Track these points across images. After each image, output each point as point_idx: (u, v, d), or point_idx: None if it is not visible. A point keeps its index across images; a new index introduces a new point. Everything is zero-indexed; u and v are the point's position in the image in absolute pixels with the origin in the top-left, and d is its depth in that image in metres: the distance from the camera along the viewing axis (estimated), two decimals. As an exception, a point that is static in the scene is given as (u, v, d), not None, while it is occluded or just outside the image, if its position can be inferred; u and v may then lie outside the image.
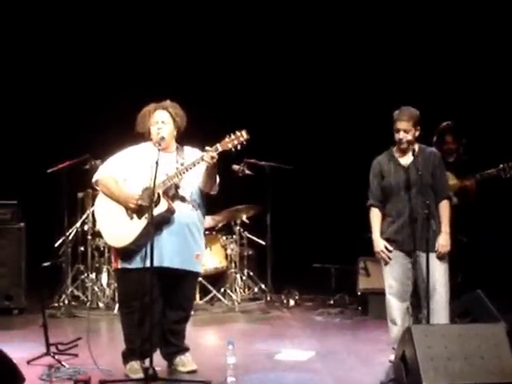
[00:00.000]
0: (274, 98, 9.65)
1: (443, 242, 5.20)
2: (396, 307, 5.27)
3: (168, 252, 5.00)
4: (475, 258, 6.65)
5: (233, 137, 4.93)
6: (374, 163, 5.44)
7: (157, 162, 4.81)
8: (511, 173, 6.34)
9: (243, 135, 4.93)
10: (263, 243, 8.32)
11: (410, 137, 5.23)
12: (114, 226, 5.10)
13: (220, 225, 8.36)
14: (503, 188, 6.82)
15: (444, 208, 5.27)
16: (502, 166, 6.40)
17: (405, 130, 5.22)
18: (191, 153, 5.24)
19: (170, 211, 5.01)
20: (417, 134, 5.27)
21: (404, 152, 5.31)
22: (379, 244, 5.31)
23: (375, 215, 5.39)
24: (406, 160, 5.31)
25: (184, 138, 5.34)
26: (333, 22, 9.39)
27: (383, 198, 5.36)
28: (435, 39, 8.91)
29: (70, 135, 9.13)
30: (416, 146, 5.32)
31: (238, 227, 8.30)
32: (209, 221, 7.86)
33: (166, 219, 5.01)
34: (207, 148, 4.94)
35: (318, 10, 9.40)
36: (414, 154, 5.23)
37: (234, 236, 8.32)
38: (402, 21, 9.04)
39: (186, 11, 9.47)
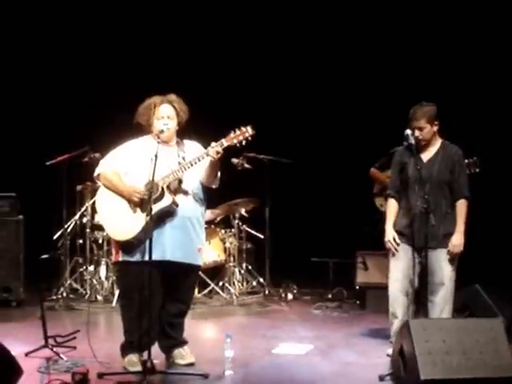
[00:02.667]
0: (273, 91, 9.63)
1: (456, 241, 5.20)
2: (398, 300, 5.28)
3: (170, 245, 4.99)
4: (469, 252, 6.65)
5: (238, 132, 4.93)
6: (396, 154, 5.45)
7: (156, 156, 4.79)
8: (475, 168, 6.21)
9: (248, 131, 4.92)
10: (262, 237, 8.33)
11: (426, 134, 5.23)
12: (117, 219, 5.09)
13: (219, 218, 8.36)
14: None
15: (460, 207, 5.24)
16: (466, 161, 6.05)
17: (419, 127, 5.22)
18: (191, 146, 5.24)
19: (175, 204, 5.01)
20: (435, 128, 5.26)
21: (424, 147, 5.30)
22: (389, 234, 5.33)
23: (392, 206, 5.41)
24: (426, 155, 5.31)
25: (186, 132, 5.33)
26: (332, 13, 9.39)
27: (401, 190, 5.37)
28: (432, 37, 8.93)
29: (69, 128, 9.11)
30: (439, 142, 5.33)
31: (236, 221, 8.30)
32: (208, 214, 7.82)
33: (169, 213, 5.00)
34: (212, 143, 4.93)
35: (316, 3, 9.40)
36: (413, 151, 5.20)
37: (233, 229, 8.32)
38: (398, 16, 9.06)
39: (189, 4, 9.44)
